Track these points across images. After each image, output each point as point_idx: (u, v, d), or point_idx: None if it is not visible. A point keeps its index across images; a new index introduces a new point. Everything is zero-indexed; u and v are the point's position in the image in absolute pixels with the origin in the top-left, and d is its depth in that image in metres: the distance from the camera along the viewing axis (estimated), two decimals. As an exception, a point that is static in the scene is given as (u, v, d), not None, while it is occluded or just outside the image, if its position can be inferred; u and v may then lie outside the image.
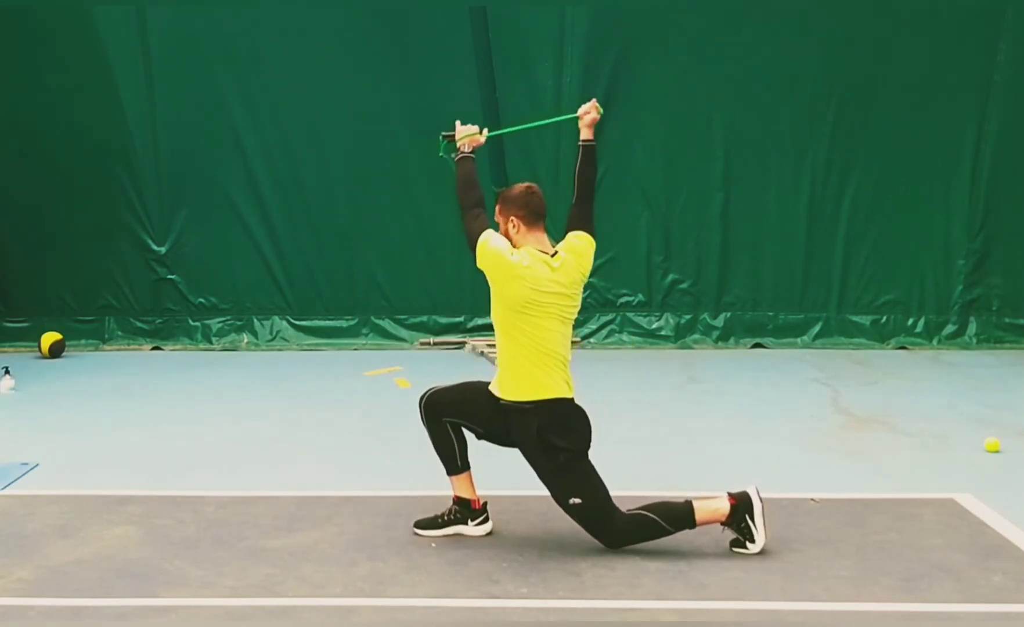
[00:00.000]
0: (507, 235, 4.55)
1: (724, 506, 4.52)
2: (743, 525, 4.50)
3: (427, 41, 9.38)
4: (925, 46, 9.31)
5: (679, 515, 4.52)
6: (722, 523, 4.54)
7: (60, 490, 5.47)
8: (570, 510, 4.51)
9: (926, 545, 4.61)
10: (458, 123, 4.82)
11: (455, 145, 4.76)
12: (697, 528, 4.54)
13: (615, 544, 4.55)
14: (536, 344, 4.46)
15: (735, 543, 4.55)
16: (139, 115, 9.64)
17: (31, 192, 9.88)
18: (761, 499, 4.54)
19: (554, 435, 4.46)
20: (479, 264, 4.53)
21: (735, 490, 4.56)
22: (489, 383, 4.67)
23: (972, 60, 9.33)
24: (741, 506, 4.51)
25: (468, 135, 4.75)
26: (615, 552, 4.50)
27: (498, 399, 4.57)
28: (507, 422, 4.57)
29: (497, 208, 4.60)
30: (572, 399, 4.56)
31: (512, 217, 4.53)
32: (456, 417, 4.66)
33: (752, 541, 4.51)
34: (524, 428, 4.49)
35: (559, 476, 4.50)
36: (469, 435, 4.73)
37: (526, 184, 4.64)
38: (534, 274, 4.42)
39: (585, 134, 4.81)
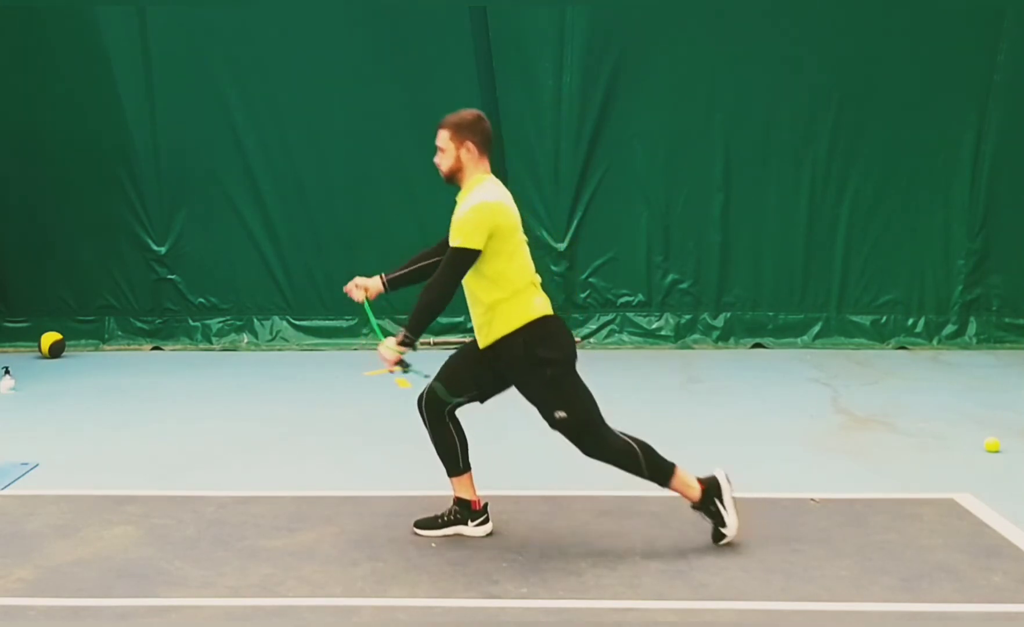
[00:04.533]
0: (457, 159, 4.51)
1: (697, 489, 4.55)
2: (712, 508, 4.55)
3: (427, 41, 9.37)
4: (925, 46, 9.30)
5: (659, 467, 4.54)
6: (693, 506, 4.57)
7: (60, 490, 5.47)
8: (556, 424, 4.49)
9: (926, 545, 4.61)
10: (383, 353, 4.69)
11: (403, 366, 4.64)
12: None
13: (593, 453, 4.54)
14: (522, 270, 4.50)
15: (715, 536, 4.58)
16: (139, 115, 9.64)
17: (31, 192, 9.89)
18: (730, 482, 4.57)
19: (540, 348, 4.45)
20: (485, 228, 4.39)
21: (703, 475, 4.59)
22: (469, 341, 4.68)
23: (972, 60, 9.32)
24: (710, 490, 4.55)
25: (390, 352, 4.68)
26: (615, 552, 4.50)
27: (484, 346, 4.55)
28: (495, 362, 4.55)
29: (448, 133, 4.51)
30: (555, 314, 4.58)
31: (468, 142, 4.51)
32: (456, 398, 4.64)
33: (724, 525, 4.54)
34: (510, 352, 4.48)
35: (546, 391, 4.48)
36: (469, 435, 4.73)
37: (475, 111, 4.63)
38: (510, 201, 4.51)
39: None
